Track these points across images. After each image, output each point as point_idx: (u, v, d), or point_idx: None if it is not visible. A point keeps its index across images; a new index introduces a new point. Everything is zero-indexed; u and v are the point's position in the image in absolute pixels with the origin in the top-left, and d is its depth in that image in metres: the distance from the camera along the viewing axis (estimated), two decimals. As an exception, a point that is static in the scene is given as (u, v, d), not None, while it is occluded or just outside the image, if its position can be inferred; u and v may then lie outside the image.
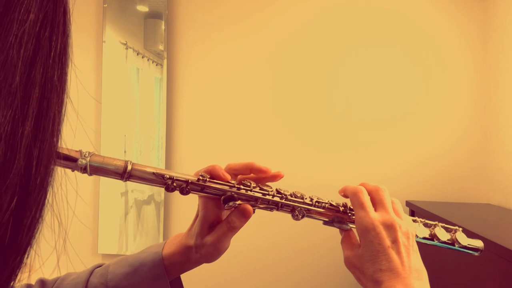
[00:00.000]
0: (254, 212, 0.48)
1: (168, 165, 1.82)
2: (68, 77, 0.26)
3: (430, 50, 1.76)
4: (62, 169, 0.28)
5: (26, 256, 0.23)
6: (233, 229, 0.47)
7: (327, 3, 1.81)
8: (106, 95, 1.82)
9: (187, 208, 1.81)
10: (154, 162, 1.83)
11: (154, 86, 1.83)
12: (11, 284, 0.22)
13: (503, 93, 1.62)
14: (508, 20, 1.59)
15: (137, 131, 1.83)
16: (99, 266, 0.53)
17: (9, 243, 0.22)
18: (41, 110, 0.23)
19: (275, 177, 0.49)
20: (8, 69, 0.21)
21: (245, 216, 0.46)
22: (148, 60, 1.83)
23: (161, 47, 1.81)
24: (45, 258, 0.28)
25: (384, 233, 0.44)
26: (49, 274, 0.46)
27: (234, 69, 1.83)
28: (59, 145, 0.26)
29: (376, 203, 0.48)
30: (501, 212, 1.47)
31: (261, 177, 0.49)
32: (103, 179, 1.81)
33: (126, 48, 1.82)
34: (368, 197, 0.48)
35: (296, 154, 1.79)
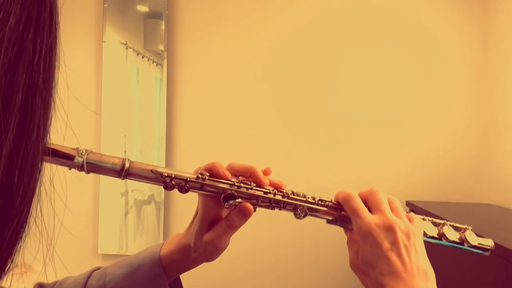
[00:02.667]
0: (255, 210, 0.47)
1: (168, 164, 1.82)
2: (56, 79, 0.24)
3: (430, 50, 1.76)
4: (58, 170, 0.27)
5: (6, 268, 0.22)
6: (232, 228, 0.46)
7: (328, 3, 1.80)
8: (106, 95, 1.82)
9: (187, 208, 1.81)
10: (154, 162, 1.83)
11: (154, 86, 1.83)
12: None
13: (503, 93, 1.62)
14: (508, 20, 1.59)
15: (137, 131, 1.83)
16: (97, 269, 0.52)
17: None
18: (24, 117, 0.22)
19: (275, 186, 0.48)
20: None
21: (245, 214, 0.46)
22: (148, 60, 1.83)
23: (161, 47, 1.81)
24: (38, 259, 0.27)
25: (382, 236, 0.43)
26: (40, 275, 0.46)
27: (234, 69, 1.83)
28: (52, 145, 0.25)
29: (372, 205, 0.46)
30: (501, 212, 1.47)
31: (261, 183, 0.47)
32: (103, 179, 1.81)
33: (126, 48, 1.82)
34: (360, 201, 0.46)
35: (296, 154, 1.79)
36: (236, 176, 0.47)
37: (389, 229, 0.43)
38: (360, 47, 1.78)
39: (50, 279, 0.51)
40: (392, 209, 0.46)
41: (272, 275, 1.81)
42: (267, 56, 1.82)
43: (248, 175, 0.47)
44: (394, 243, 0.43)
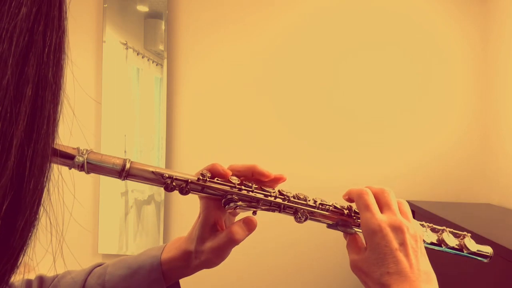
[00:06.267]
0: (255, 214, 0.46)
1: (168, 165, 1.82)
2: (64, 75, 0.25)
3: (431, 50, 1.76)
4: (60, 168, 0.27)
5: (19, 259, 0.22)
6: (234, 241, 0.45)
7: (328, 4, 1.80)
8: (106, 95, 1.82)
9: (187, 208, 1.81)
10: (154, 162, 1.83)
11: (154, 86, 1.83)
12: (2, 286, 0.22)
13: (503, 93, 1.62)
14: (508, 20, 1.59)
15: (137, 131, 1.83)
16: (99, 265, 0.52)
17: (1, 246, 0.21)
18: (34, 109, 0.22)
19: (277, 180, 0.48)
20: None
21: (249, 228, 0.45)
22: (148, 60, 1.83)
23: (161, 47, 1.81)
24: (40, 258, 0.27)
25: (391, 235, 0.43)
26: (46, 272, 0.46)
27: (234, 69, 1.83)
28: (54, 144, 0.25)
29: (382, 205, 0.46)
30: (501, 212, 1.47)
31: (263, 180, 0.47)
32: (103, 179, 1.81)
33: (126, 48, 1.82)
34: (374, 199, 0.46)
35: (297, 154, 1.79)
36: (238, 177, 0.46)
37: (398, 230, 0.43)
38: (360, 47, 1.78)
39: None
40: (400, 211, 0.46)
41: (274, 277, 1.81)
42: (268, 56, 1.82)
43: (250, 174, 0.47)
44: (403, 243, 0.43)
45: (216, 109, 1.83)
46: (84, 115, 1.78)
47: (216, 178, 0.45)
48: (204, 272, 0.53)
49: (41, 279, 0.50)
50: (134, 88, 1.84)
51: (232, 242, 0.45)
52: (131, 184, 1.80)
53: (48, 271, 0.46)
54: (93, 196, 1.84)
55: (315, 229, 1.74)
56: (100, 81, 1.83)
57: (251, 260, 1.81)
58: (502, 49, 1.63)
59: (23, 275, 0.24)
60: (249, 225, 0.45)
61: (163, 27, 1.81)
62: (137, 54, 1.82)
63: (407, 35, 1.77)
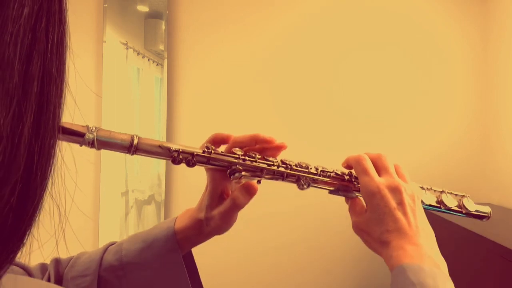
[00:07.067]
0: (259, 183, 0.48)
1: (168, 164, 1.82)
2: (67, 67, 0.25)
3: (431, 50, 1.76)
4: (62, 166, 0.28)
5: (24, 240, 0.24)
6: (238, 206, 0.48)
7: (328, 4, 1.81)
8: (106, 95, 1.82)
9: (187, 208, 1.81)
10: (154, 162, 1.83)
11: (154, 86, 1.83)
12: (7, 266, 0.23)
13: (503, 93, 1.62)
14: (508, 20, 1.59)
15: (137, 131, 1.82)
16: (112, 244, 0.54)
17: (9, 230, 0.22)
18: (41, 105, 0.23)
19: (279, 148, 0.50)
20: (5, 68, 0.20)
21: (250, 193, 0.47)
22: (148, 60, 1.83)
23: (161, 47, 1.81)
24: (44, 241, 0.28)
25: (389, 196, 0.45)
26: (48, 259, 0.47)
27: (235, 68, 1.83)
28: (64, 123, 0.26)
29: (380, 168, 0.48)
30: (501, 212, 1.47)
31: (266, 147, 0.49)
32: (104, 179, 1.81)
33: (127, 48, 1.82)
34: (371, 163, 0.48)
35: (296, 154, 1.78)
36: (242, 148, 0.49)
37: (396, 190, 0.45)
38: (360, 47, 1.78)
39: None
40: (398, 174, 0.48)
41: (276, 275, 1.81)
42: (267, 55, 1.82)
43: (254, 143, 0.49)
44: (400, 203, 0.45)
45: (216, 109, 1.83)
46: (84, 115, 1.78)
47: (221, 151, 0.47)
48: (204, 272, 0.53)
49: (57, 261, 0.51)
50: (134, 88, 1.84)
51: (236, 207, 0.48)
52: (131, 184, 1.80)
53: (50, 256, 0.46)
54: (93, 196, 1.84)
55: (315, 229, 1.74)
56: (100, 81, 1.83)
57: (251, 259, 1.81)
58: (502, 49, 1.63)
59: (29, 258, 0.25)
60: (250, 190, 0.47)
61: (163, 27, 1.81)
62: (137, 54, 1.82)
63: (407, 35, 1.77)
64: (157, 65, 1.82)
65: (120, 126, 1.82)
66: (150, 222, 1.83)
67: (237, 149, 0.48)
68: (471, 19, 1.75)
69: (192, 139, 1.84)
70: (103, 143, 0.40)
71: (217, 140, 0.48)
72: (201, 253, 0.64)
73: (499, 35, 1.66)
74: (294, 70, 1.81)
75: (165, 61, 1.81)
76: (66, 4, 0.25)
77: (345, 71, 1.79)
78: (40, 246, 0.28)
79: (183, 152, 0.45)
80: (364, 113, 1.78)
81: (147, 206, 1.84)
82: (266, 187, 0.60)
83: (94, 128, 0.40)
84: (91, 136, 0.39)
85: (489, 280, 0.98)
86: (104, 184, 1.82)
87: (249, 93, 1.82)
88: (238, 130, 1.87)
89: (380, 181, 0.46)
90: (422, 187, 0.52)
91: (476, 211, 0.52)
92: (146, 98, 1.83)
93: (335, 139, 1.78)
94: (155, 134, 1.82)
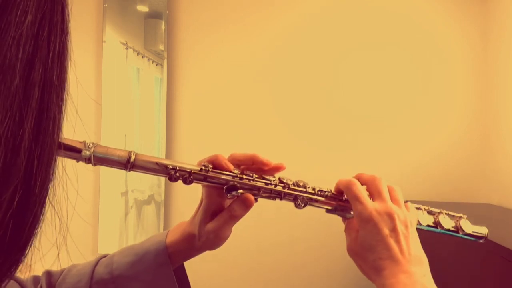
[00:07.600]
0: (256, 201, 0.48)
1: (168, 165, 1.82)
2: (68, 76, 0.26)
3: (430, 50, 1.76)
4: (64, 166, 0.28)
5: (26, 251, 0.23)
6: (234, 218, 0.48)
7: (328, 4, 1.80)
8: (106, 95, 1.82)
9: (187, 208, 1.81)
10: (154, 162, 1.83)
11: (154, 86, 1.83)
12: (7, 280, 0.23)
13: (503, 93, 1.62)
14: (508, 20, 1.59)
15: (137, 131, 1.83)
16: (104, 256, 0.54)
17: (10, 240, 0.22)
18: (41, 111, 0.23)
19: (277, 169, 0.50)
20: (6, 72, 0.21)
21: (246, 205, 0.47)
22: (148, 60, 1.83)
23: (161, 47, 1.81)
24: (45, 252, 0.28)
25: (382, 223, 0.45)
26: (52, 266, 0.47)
27: (235, 69, 1.83)
28: (62, 139, 0.26)
29: (373, 193, 0.48)
30: (501, 212, 1.47)
31: (263, 169, 0.49)
32: (103, 179, 1.80)
33: (126, 48, 1.82)
34: (363, 188, 0.48)
35: (296, 154, 1.79)
36: (239, 166, 0.49)
37: (389, 217, 0.45)
38: (360, 47, 1.78)
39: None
40: (391, 198, 0.48)
41: (273, 275, 1.81)
42: (268, 55, 1.82)
43: (251, 163, 0.49)
44: (393, 230, 0.44)
45: (216, 109, 1.83)
46: (84, 115, 1.78)
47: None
48: (204, 272, 0.53)
49: (49, 274, 0.51)
50: (134, 88, 1.84)
51: (232, 219, 0.48)
52: (131, 184, 1.80)
53: (51, 266, 0.46)
54: (93, 196, 1.84)
55: (314, 228, 1.74)
56: (100, 81, 1.83)
57: (251, 259, 1.81)
58: (502, 49, 1.63)
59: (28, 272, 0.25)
60: (246, 202, 0.47)
61: (163, 27, 1.81)
62: (137, 54, 1.82)
63: (407, 35, 1.77)
64: (157, 65, 1.82)
65: (120, 127, 1.82)
66: (150, 222, 1.83)
67: (234, 168, 0.48)
68: (471, 19, 1.75)
69: (192, 139, 1.84)
70: (100, 159, 0.41)
71: (216, 165, 0.47)
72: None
73: (499, 35, 1.66)
74: (294, 70, 1.81)
75: (165, 61, 1.81)
76: (68, 15, 0.25)
77: (345, 71, 1.79)
78: (42, 257, 0.28)
79: (180, 170, 0.45)
80: (364, 113, 1.78)
81: (147, 206, 1.84)
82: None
83: (91, 144, 0.41)
84: (87, 153, 0.40)
85: (489, 281, 0.98)
86: (103, 184, 1.82)
87: (249, 93, 1.82)
88: (238, 130, 1.87)
89: (373, 208, 0.46)
90: (419, 208, 0.52)
91: (473, 232, 0.52)
92: (146, 98, 1.83)
93: (335, 139, 1.78)
94: (155, 134, 1.82)
